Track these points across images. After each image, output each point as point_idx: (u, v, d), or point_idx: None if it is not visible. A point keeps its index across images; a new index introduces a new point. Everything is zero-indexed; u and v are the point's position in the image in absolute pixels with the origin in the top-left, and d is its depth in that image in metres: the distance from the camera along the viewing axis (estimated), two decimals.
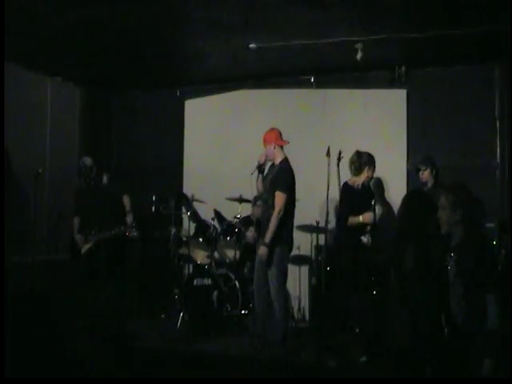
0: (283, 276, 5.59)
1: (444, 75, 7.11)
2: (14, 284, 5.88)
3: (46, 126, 7.82)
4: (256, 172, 5.73)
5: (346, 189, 5.75)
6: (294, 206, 5.69)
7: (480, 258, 3.50)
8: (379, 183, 6.87)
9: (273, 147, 5.65)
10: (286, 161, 5.67)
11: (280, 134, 5.74)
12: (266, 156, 5.67)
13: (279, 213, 5.42)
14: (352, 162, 5.79)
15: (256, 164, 5.70)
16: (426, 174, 5.88)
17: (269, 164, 5.81)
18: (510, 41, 5.76)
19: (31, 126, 7.59)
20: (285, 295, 5.76)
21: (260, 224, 5.79)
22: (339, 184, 5.61)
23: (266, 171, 5.82)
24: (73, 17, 5.76)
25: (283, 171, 5.61)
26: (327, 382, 4.89)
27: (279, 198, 5.44)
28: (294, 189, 5.67)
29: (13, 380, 4.09)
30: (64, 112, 8.15)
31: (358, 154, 5.82)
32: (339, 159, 5.60)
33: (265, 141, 5.70)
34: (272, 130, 5.75)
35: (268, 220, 5.48)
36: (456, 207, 3.60)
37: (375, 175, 6.02)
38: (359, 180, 5.81)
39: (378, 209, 6.41)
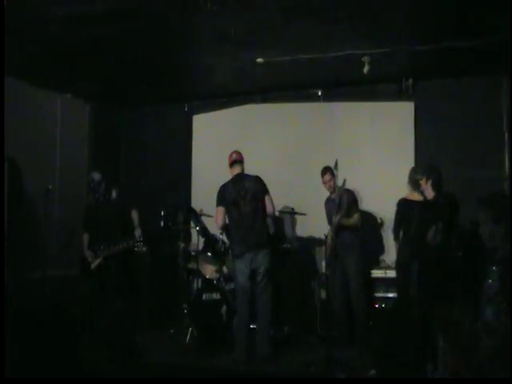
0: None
1: (451, 87, 7.08)
2: (26, 299, 5.94)
3: (56, 142, 7.88)
4: None
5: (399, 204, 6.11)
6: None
7: None
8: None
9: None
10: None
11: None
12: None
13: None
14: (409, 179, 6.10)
15: None
16: (423, 184, 5.78)
17: None
18: (509, 54, 5.75)
19: (41, 142, 7.65)
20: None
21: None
22: (339, 192, 5.63)
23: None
24: (82, 34, 5.83)
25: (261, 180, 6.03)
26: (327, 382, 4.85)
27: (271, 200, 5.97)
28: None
29: (13, 380, 4.10)
30: (74, 128, 8.21)
31: (413, 169, 6.18)
32: (335, 167, 5.72)
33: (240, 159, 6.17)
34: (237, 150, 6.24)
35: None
36: (498, 220, 3.47)
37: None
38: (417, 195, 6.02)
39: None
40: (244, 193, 5.85)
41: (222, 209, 5.89)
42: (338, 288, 6.42)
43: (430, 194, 5.75)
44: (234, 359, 5.74)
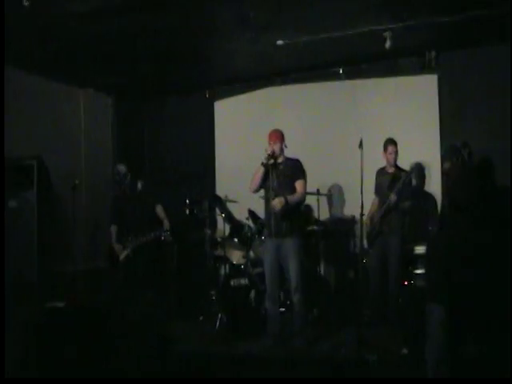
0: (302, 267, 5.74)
1: (474, 58, 6.87)
2: (55, 294, 6.04)
3: (81, 137, 7.97)
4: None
5: None
6: None
7: None
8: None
9: (284, 146, 5.79)
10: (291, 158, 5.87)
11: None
12: (274, 152, 5.68)
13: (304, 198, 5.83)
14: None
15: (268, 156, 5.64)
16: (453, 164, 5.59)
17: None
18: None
19: (66, 138, 7.74)
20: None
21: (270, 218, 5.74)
22: (361, 172, 5.52)
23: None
24: (101, 27, 5.87)
25: (300, 165, 5.81)
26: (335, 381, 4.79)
27: (304, 185, 5.74)
28: None
29: (13, 380, 4.14)
30: (97, 122, 8.30)
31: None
32: (360, 146, 5.55)
33: (277, 138, 5.75)
34: (278, 130, 5.85)
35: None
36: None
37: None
38: None
39: None
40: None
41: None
42: (376, 266, 6.34)
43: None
44: (266, 344, 5.73)
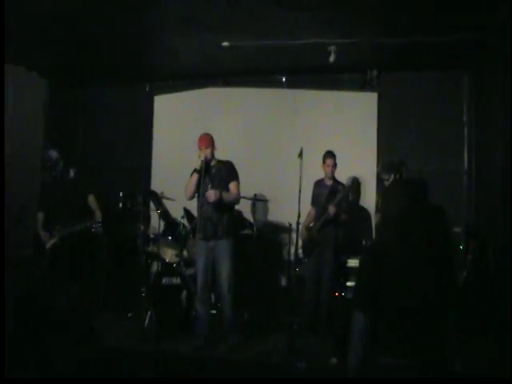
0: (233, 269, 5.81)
1: (414, 80, 7.19)
2: None
3: (8, 117, 7.57)
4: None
5: None
6: None
7: None
8: None
9: (212, 150, 5.85)
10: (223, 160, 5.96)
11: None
12: (206, 158, 5.77)
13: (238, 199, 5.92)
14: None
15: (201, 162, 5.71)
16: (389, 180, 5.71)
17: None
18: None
19: None
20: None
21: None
22: (300, 181, 5.62)
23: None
24: (43, 4, 5.59)
25: (233, 167, 5.89)
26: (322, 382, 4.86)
27: (237, 186, 5.83)
28: None
29: (13, 380, 4.02)
30: (27, 103, 7.91)
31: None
32: (300, 156, 5.71)
33: (208, 142, 5.81)
34: (208, 134, 5.93)
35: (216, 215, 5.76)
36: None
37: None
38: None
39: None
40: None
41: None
42: (311, 277, 6.41)
43: None
44: (195, 345, 5.72)
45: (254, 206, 7.16)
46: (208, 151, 5.76)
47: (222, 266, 5.73)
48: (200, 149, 5.78)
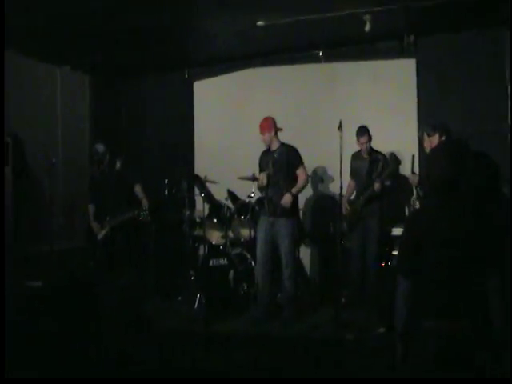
0: (294, 246, 5.97)
1: (453, 42, 6.94)
2: (33, 274, 6.00)
3: (57, 116, 7.86)
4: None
5: None
6: None
7: None
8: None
9: (273, 134, 5.98)
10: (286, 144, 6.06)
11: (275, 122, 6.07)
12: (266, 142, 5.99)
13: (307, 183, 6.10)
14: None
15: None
16: (434, 141, 5.39)
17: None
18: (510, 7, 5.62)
19: (43, 116, 7.63)
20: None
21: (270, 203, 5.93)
22: (340, 153, 5.57)
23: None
24: (79, 6, 5.76)
25: (295, 151, 5.99)
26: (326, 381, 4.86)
27: (305, 171, 5.98)
28: None
29: (13, 380, 4.11)
30: (74, 101, 8.19)
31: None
32: (339, 128, 5.60)
33: (264, 128, 5.97)
34: (269, 118, 6.04)
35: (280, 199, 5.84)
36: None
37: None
38: None
39: None
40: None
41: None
42: (357, 250, 6.43)
43: None
44: (254, 317, 5.88)
45: None
46: (267, 136, 5.95)
47: (281, 242, 5.86)
48: (261, 134, 5.97)
